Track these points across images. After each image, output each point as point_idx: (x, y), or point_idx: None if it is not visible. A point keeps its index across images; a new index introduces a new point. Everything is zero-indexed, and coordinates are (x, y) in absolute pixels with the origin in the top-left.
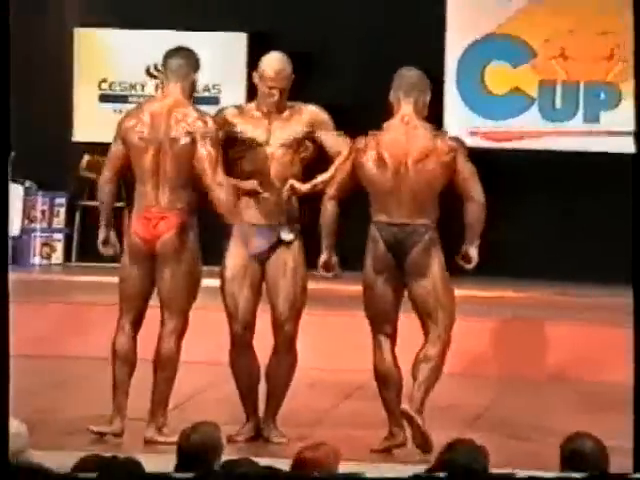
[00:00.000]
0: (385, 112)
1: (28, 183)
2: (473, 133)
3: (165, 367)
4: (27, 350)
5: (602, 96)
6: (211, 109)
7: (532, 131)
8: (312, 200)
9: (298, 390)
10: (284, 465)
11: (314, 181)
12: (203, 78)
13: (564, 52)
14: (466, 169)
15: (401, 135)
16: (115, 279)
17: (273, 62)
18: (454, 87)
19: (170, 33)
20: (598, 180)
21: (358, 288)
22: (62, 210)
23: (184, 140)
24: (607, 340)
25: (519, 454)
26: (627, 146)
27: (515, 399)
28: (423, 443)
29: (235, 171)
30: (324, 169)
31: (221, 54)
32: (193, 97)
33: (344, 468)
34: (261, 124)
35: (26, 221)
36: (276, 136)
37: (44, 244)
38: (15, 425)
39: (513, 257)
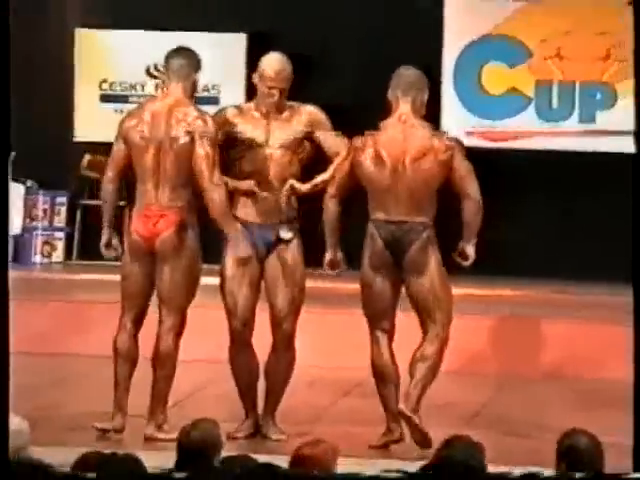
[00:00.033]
0: (384, 112)
1: (29, 182)
2: (470, 133)
3: (164, 365)
4: (28, 348)
5: (598, 96)
6: (211, 109)
7: (529, 131)
8: (312, 200)
9: (297, 387)
10: (283, 461)
11: (314, 181)
12: (203, 78)
13: (560, 52)
14: (463, 167)
15: (399, 134)
16: (115, 277)
17: (273, 62)
18: (451, 87)
19: (170, 34)
20: (597, 180)
21: (356, 286)
22: (63, 209)
23: (184, 139)
24: (605, 338)
25: (516, 451)
26: (623, 146)
27: (512, 396)
28: (422, 440)
29: (234, 171)
30: (322, 169)
31: (221, 54)
32: (194, 97)
33: (342, 464)
34: (260, 124)
35: (27, 220)
36: (275, 137)
37: (45, 242)
38: (17, 422)
39: (512, 257)
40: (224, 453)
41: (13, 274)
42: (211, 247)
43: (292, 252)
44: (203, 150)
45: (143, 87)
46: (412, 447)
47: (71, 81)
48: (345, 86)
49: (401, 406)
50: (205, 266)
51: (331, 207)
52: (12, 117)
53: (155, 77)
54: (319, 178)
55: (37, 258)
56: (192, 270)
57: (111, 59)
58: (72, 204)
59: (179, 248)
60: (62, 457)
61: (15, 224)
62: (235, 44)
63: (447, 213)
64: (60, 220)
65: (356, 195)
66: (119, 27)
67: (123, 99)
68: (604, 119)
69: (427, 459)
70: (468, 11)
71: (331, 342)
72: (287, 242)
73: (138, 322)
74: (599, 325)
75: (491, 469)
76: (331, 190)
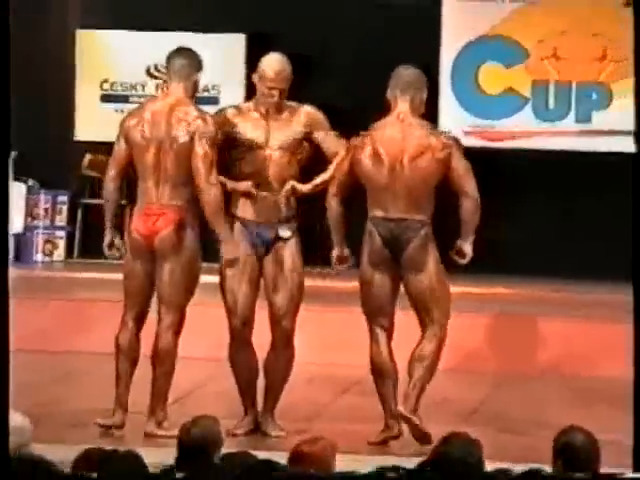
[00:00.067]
0: (384, 112)
1: (31, 181)
2: (467, 133)
3: (163, 362)
4: (30, 345)
5: (594, 96)
6: (211, 109)
7: (526, 131)
8: (311, 200)
9: (296, 385)
10: (282, 458)
11: (314, 181)
12: (202, 78)
13: (556, 53)
14: (461, 166)
15: (397, 132)
16: (116, 276)
17: (273, 63)
18: (449, 87)
19: (170, 34)
20: (596, 179)
21: (355, 284)
22: (64, 208)
23: (184, 138)
24: (603, 336)
25: (513, 448)
26: (618, 145)
27: (510, 394)
28: (422, 437)
29: (234, 172)
30: (321, 169)
31: (220, 55)
32: (195, 97)
33: (341, 460)
34: (260, 125)
35: (29, 219)
36: (275, 137)
37: (46, 241)
38: (19, 419)
39: (512, 256)
40: (224, 450)
41: (15, 273)
42: (211, 245)
43: (291, 250)
44: (202, 149)
45: (143, 87)
46: (410, 443)
47: (72, 81)
48: (344, 86)
49: (400, 408)
50: (205, 264)
51: (334, 206)
52: (13, 117)
53: (155, 77)
54: (319, 178)
55: (38, 257)
56: (191, 268)
57: (111, 59)
58: (73, 203)
59: (178, 246)
60: (63, 454)
61: (17, 223)
62: (235, 44)
63: (445, 211)
64: (61, 219)
65: (355, 193)
66: (119, 27)
67: (124, 99)
68: (600, 119)
69: (425, 455)
70: (465, 12)
71: (330, 340)
72: (286, 241)
73: (140, 320)
74: (598, 323)
75: (488, 466)
76: (332, 189)
